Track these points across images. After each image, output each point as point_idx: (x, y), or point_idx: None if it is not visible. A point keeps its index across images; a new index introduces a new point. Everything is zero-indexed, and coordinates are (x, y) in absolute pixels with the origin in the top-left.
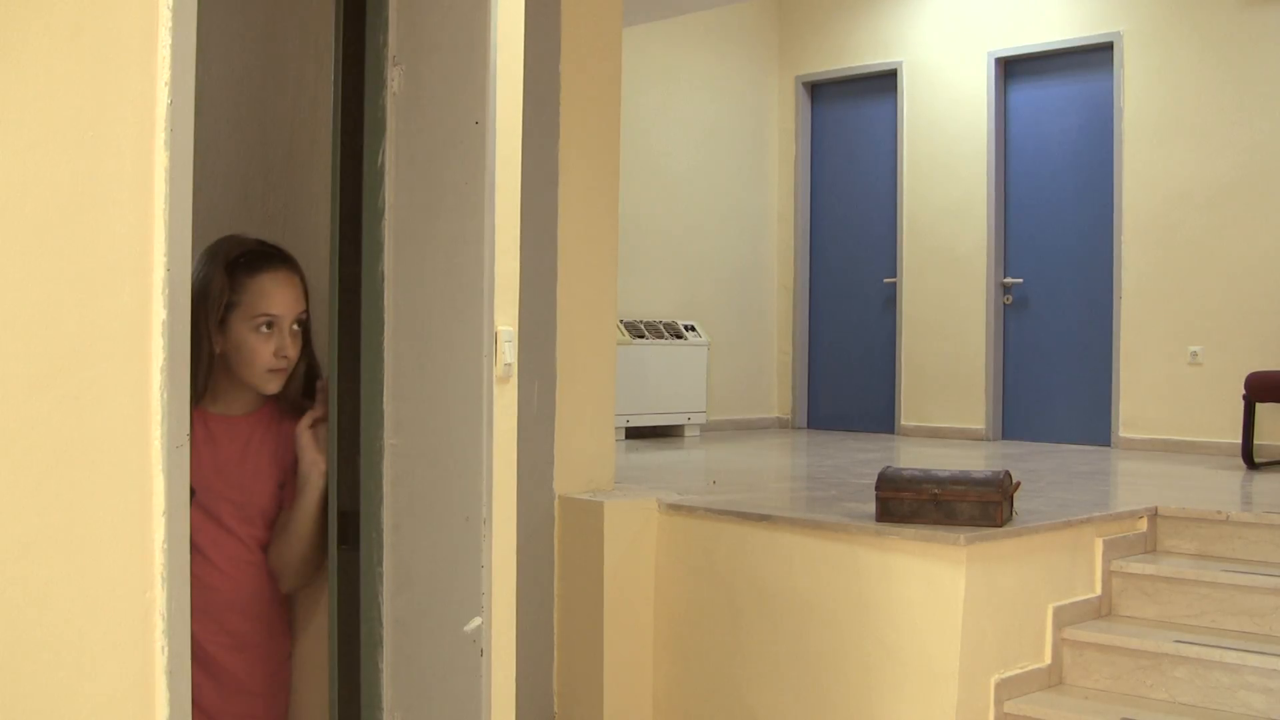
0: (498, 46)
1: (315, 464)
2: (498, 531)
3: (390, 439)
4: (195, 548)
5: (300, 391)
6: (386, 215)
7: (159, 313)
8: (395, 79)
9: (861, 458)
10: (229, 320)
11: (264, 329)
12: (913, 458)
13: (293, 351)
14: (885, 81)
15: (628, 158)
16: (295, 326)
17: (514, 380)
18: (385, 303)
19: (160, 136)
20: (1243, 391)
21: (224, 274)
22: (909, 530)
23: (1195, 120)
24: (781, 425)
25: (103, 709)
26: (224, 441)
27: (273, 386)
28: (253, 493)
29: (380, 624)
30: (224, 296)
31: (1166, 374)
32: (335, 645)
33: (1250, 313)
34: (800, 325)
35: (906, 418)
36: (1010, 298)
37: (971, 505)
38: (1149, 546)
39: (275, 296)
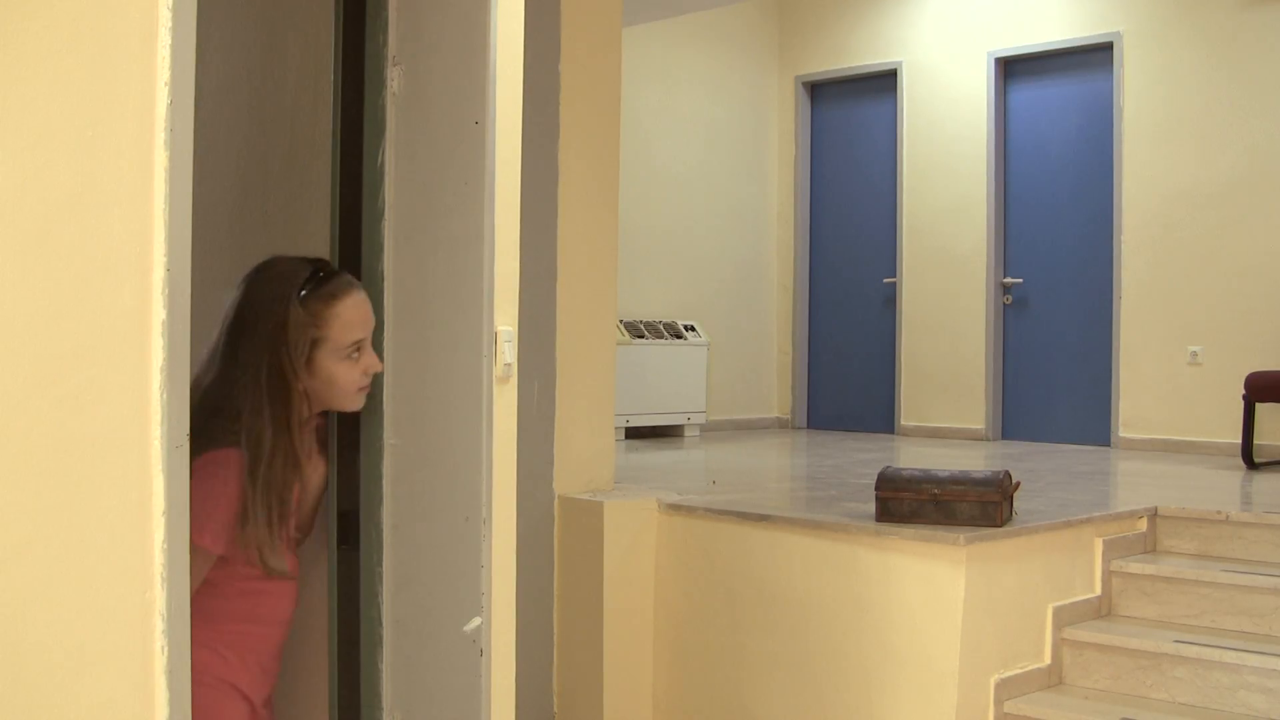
0: (498, 46)
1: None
2: (498, 531)
3: (390, 439)
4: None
5: None
6: (386, 215)
7: (159, 313)
8: (395, 79)
9: (861, 458)
10: (314, 357)
11: (354, 355)
12: (913, 458)
13: (379, 363)
14: (885, 81)
15: (627, 158)
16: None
17: (514, 380)
18: (385, 303)
19: (160, 136)
20: (1242, 391)
21: (301, 309)
22: (909, 530)
23: (1195, 120)
24: (781, 425)
25: (103, 709)
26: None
27: (361, 402)
28: (302, 501)
29: (380, 624)
30: (308, 334)
31: (1166, 374)
32: (335, 645)
33: (1250, 313)
34: (800, 325)
35: (906, 418)
36: (1010, 298)
37: (971, 505)
38: (1149, 546)
39: (359, 323)
